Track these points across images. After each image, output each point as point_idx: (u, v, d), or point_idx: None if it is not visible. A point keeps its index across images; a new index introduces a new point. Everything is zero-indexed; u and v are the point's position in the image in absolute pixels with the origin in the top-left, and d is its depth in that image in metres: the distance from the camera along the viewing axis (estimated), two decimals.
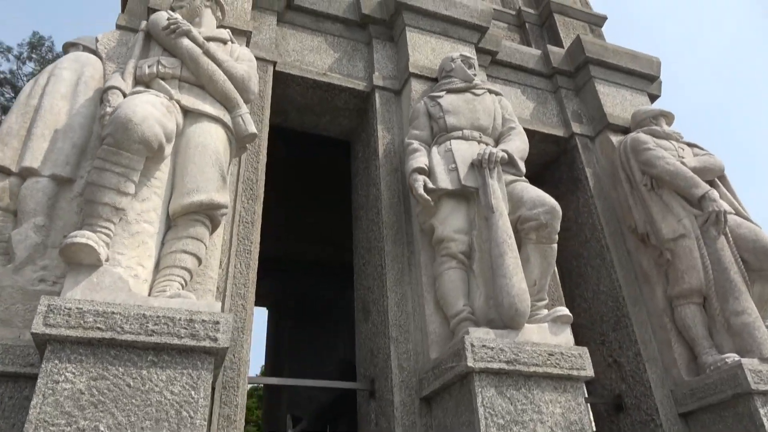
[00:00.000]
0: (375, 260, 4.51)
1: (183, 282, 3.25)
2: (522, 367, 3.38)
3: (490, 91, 4.90)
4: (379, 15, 5.64)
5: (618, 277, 5.11)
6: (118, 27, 4.47)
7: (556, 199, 6.03)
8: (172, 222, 3.43)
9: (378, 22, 5.66)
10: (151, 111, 3.14)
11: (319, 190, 7.75)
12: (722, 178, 5.32)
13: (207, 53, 3.78)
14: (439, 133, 4.57)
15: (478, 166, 4.15)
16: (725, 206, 5.01)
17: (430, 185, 4.15)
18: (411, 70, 5.20)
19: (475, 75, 5.03)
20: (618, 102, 6.19)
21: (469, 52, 5.70)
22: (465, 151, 4.31)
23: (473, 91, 4.80)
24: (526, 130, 5.83)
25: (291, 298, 8.94)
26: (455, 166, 4.21)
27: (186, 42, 3.76)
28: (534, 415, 3.30)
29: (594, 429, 3.55)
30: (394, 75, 5.42)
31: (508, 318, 3.58)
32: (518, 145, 4.43)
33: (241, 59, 4.09)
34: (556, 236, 3.98)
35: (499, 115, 4.70)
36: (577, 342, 5.46)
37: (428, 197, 4.09)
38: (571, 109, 6.23)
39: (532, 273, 3.96)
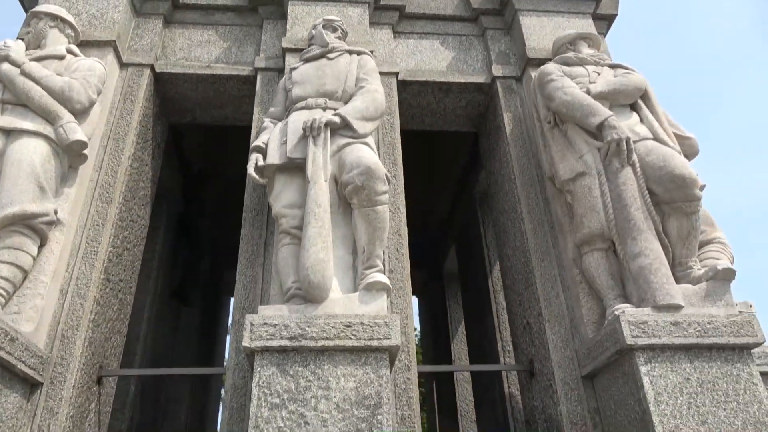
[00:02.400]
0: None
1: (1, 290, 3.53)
2: (309, 342, 3.20)
3: (351, 52, 4.61)
4: None
5: (526, 230, 4.57)
6: None
7: (488, 151, 5.59)
8: None
9: (267, 2, 5.56)
10: None
11: None
12: (645, 98, 4.51)
13: (23, 73, 4.01)
14: (289, 106, 4.41)
15: (307, 135, 3.95)
16: (642, 131, 4.28)
17: (261, 162, 4.05)
18: (284, 45, 5.06)
19: (339, 38, 4.77)
20: (548, 32, 5.48)
21: (361, 13, 5.40)
22: (301, 121, 4.12)
23: (328, 55, 4.55)
24: (440, 83, 5.45)
25: None
26: (286, 139, 4.04)
27: (5, 66, 4.03)
28: (319, 391, 3.11)
29: (390, 400, 3.23)
30: (280, 54, 5.31)
31: (305, 291, 3.40)
32: (358, 105, 4.12)
33: (78, 70, 4.28)
34: (380, 198, 3.66)
35: (353, 76, 4.40)
36: (507, 304, 5.04)
37: (256, 175, 4.00)
38: (498, 50, 5.64)
39: (360, 240, 3.70)
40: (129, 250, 4.64)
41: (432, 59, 5.62)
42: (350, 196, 3.70)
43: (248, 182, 4.57)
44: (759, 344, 3.46)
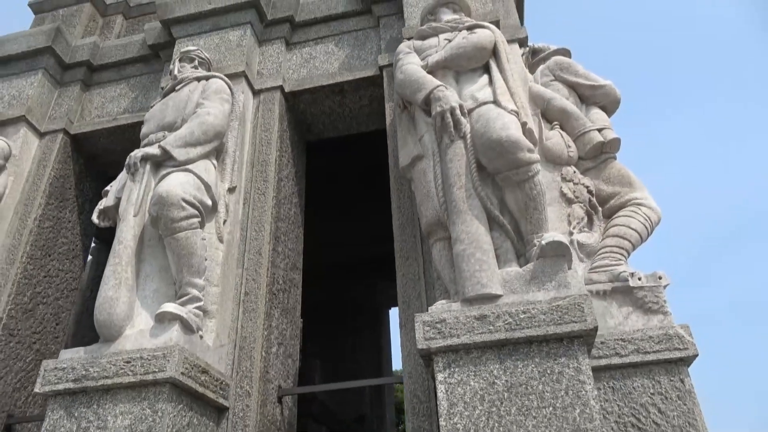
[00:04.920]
0: None
1: None
2: (91, 382, 3.19)
3: (200, 79, 4.59)
4: (162, 39, 5.73)
5: (394, 227, 4.17)
6: None
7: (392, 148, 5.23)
8: None
9: (165, 46, 5.75)
10: None
11: None
12: (496, 56, 3.91)
13: None
14: None
15: None
16: (484, 95, 3.73)
17: (101, 206, 4.16)
18: (162, 84, 5.19)
19: (196, 67, 4.78)
20: None
21: (241, 35, 5.36)
22: None
23: (176, 87, 4.58)
24: (331, 86, 5.25)
25: None
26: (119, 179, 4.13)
27: None
28: None
29: None
30: None
31: (98, 331, 3.41)
32: (181, 132, 4.07)
33: None
34: (179, 225, 3.58)
35: (193, 103, 4.37)
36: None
37: (96, 221, 4.11)
38: (389, 38, 5.27)
39: (173, 270, 3.64)
40: (47, 304, 5.01)
41: (325, 63, 5.40)
42: (155, 228, 3.67)
43: None
44: (589, 331, 2.79)
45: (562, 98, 4.34)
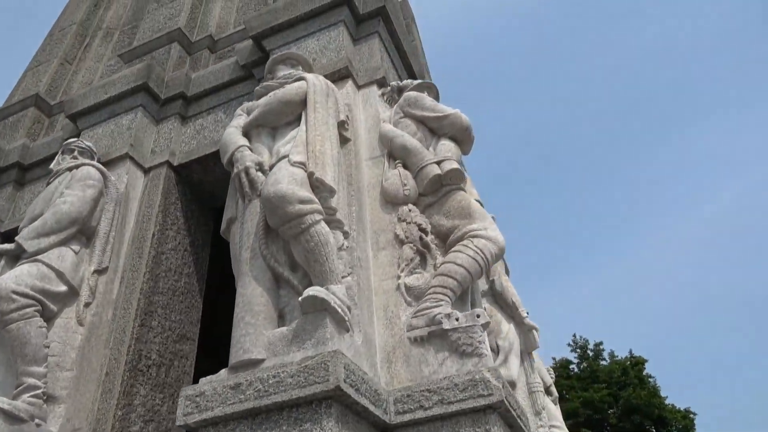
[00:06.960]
0: None
1: None
2: None
3: (71, 169, 4.82)
4: (75, 133, 6.10)
5: None
6: None
7: None
8: None
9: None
10: None
11: None
12: (308, 106, 3.87)
13: None
14: None
15: None
16: (286, 149, 3.68)
17: None
18: None
19: (75, 157, 5.03)
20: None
21: (132, 118, 5.62)
22: None
23: (50, 180, 4.84)
24: (214, 153, 5.33)
25: None
26: None
27: None
28: None
29: None
30: None
31: None
32: (35, 224, 4.28)
33: None
34: (9, 317, 3.74)
35: (58, 193, 4.60)
36: None
37: None
38: None
39: (12, 361, 3.76)
40: None
41: (213, 132, 5.54)
42: None
43: None
44: (332, 391, 2.60)
45: (404, 135, 4.21)
